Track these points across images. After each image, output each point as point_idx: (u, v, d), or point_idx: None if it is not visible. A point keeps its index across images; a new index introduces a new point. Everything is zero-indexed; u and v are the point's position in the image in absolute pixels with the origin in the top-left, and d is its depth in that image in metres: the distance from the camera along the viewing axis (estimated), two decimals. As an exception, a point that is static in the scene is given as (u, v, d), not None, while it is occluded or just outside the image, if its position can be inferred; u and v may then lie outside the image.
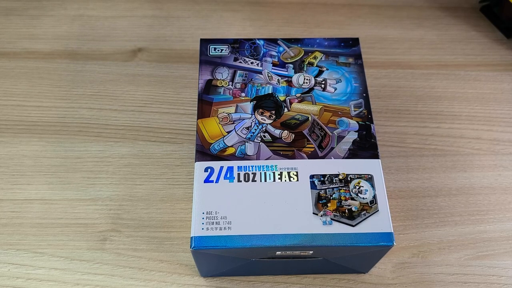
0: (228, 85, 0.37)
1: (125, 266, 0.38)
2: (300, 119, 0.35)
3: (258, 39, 0.39)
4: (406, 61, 0.52)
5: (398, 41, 0.53)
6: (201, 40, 0.39)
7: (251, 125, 0.35)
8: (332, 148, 0.34)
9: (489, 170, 0.44)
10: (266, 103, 0.36)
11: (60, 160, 0.44)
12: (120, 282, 0.38)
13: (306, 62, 0.38)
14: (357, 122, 0.35)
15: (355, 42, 0.40)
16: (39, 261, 0.39)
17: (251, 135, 0.34)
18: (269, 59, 0.38)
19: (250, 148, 0.34)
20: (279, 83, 0.37)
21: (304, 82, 0.37)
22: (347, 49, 0.39)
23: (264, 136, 0.34)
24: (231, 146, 0.34)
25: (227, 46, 0.39)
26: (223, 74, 0.37)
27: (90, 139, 0.45)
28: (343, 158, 0.33)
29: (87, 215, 0.41)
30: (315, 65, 0.38)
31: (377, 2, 0.57)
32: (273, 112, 0.35)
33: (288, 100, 0.36)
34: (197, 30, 0.54)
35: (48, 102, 0.47)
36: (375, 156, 0.34)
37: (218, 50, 0.39)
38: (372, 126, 0.35)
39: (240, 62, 0.38)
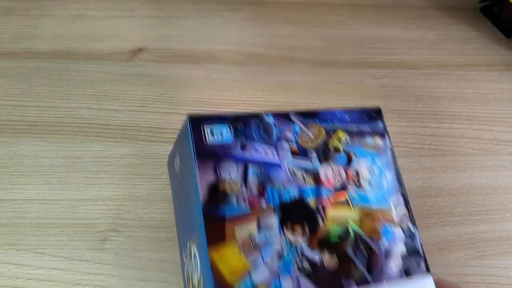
0: (241, 190, 0.27)
1: (125, 266, 0.38)
2: (340, 234, 0.28)
3: (266, 113, 0.31)
4: (406, 61, 0.52)
5: (398, 41, 0.53)
6: (190, 118, 0.28)
7: (282, 249, 0.27)
8: (382, 268, 0.28)
9: (489, 170, 0.44)
10: (295, 213, 0.28)
11: (60, 160, 0.44)
12: (120, 282, 0.38)
13: (331, 147, 0.31)
14: (401, 227, 0.30)
15: (377, 113, 0.34)
16: (39, 261, 0.39)
17: (285, 265, 0.26)
18: (286, 145, 0.30)
19: (287, 285, 0.26)
20: (305, 181, 0.29)
21: (333, 177, 0.30)
22: (370, 122, 0.33)
23: (301, 264, 0.27)
24: (262, 287, 0.25)
25: (227, 127, 0.29)
26: (230, 172, 0.27)
27: (90, 139, 0.45)
28: (395, 279, 0.28)
29: (87, 215, 0.41)
30: (341, 150, 0.31)
31: (377, 2, 0.57)
32: (306, 225, 0.28)
33: (320, 206, 0.29)
34: (197, 30, 0.53)
35: (48, 102, 0.47)
36: (426, 270, 0.29)
37: (218, 135, 0.29)
38: (416, 234, 0.30)
39: (250, 151, 0.29)
